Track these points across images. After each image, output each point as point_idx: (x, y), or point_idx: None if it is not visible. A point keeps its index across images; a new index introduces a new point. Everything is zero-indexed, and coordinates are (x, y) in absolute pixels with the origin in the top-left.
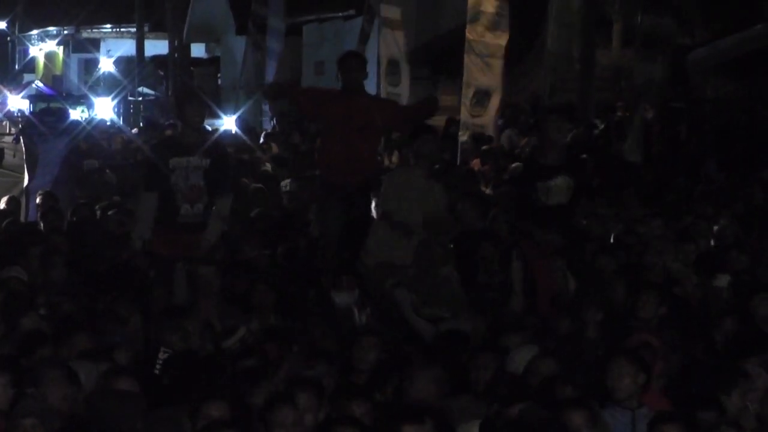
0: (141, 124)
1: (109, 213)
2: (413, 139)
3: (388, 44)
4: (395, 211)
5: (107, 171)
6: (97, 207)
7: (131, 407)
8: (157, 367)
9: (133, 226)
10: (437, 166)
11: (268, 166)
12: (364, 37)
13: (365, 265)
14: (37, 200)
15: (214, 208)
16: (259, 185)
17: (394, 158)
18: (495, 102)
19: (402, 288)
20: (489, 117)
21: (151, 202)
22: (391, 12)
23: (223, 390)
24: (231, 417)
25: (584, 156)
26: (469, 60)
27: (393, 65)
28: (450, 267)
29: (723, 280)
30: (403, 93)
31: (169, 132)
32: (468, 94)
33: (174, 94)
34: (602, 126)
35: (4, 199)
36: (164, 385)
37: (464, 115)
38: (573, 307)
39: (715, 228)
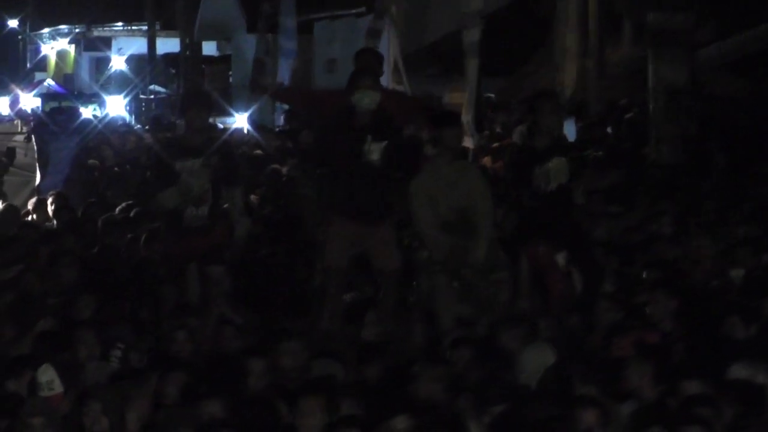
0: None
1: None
2: (437, 129)
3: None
4: (426, 211)
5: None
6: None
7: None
8: (113, 359)
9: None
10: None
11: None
12: (375, 34)
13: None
14: (48, 200)
15: (226, 204)
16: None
17: None
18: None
19: (442, 275)
20: None
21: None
22: (393, 11)
23: (229, 387)
24: (228, 415)
25: (599, 153)
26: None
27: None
28: (505, 272)
29: (738, 273)
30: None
31: (169, 134)
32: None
33: (182, 94)
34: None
35: (32, 201)
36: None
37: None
38: (581, 306)
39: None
